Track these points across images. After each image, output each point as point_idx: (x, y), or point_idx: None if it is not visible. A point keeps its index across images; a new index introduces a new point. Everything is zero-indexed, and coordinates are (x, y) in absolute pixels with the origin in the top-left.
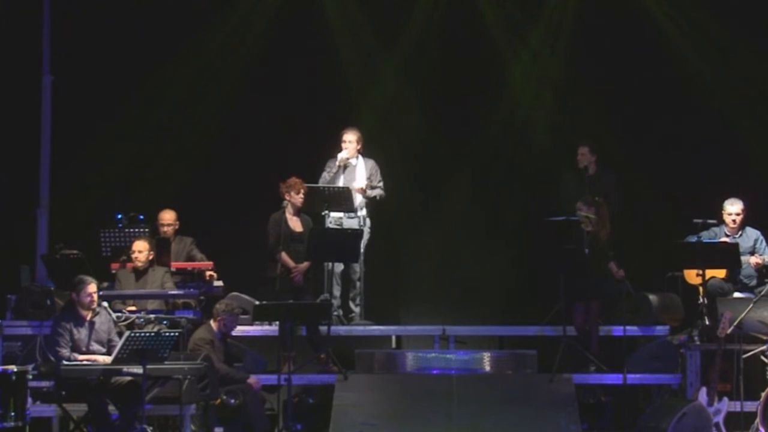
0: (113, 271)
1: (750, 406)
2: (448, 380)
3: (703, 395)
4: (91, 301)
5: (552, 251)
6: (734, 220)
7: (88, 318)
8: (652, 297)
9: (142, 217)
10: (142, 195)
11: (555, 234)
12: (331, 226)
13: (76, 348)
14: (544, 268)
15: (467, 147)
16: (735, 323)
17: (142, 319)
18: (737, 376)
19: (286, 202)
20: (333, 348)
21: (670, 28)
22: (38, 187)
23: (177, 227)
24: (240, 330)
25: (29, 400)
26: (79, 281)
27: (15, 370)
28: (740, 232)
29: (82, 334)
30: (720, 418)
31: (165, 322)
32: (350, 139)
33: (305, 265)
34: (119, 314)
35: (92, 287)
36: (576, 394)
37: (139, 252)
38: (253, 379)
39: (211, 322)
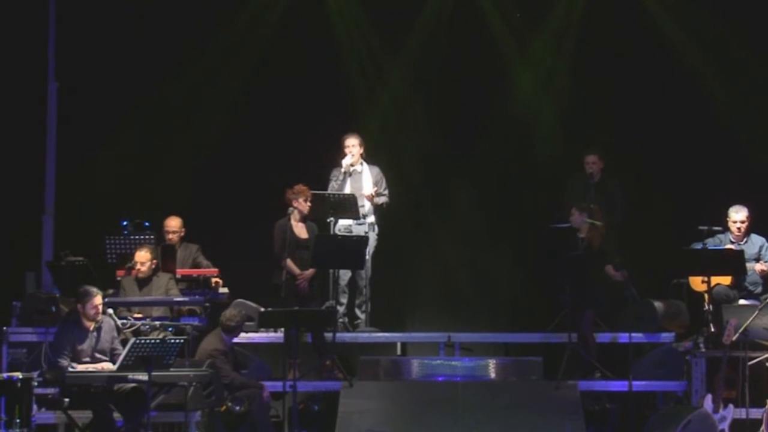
0: (118, 278)
1: (755, 413)
2: (453, 387)
3: (708, 402)
4: (96, 313)
5: (551, 258)
6: (739, 228)
7: (92, 328)
8: (657, 304)
9: (147, 224)
10: (147, 202)
11: (555, 241)
12: (340, 232)
13: (78, 358)
14: (548, 275)
15: (473, 153)
16: (740, 330)
17: (147, 326)
18: (743, 383)
19: (292, 209)
20: (338, 355)
21: (676, 36)
22: (44, 193)
23: (182, 234)
24: (245, 337)
25: (34, 407)
26: (85, 293)
27: (20, 376)
28: (745, 239)
29: (85, 344)
30: (725, 425)
31: (170, 329)
32: (352, 143)
33: (310, 272)
34: (124, 321)
35: (98, 299)
36: (581, 400)
37: (141, 264)
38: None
39: (220, 330)
